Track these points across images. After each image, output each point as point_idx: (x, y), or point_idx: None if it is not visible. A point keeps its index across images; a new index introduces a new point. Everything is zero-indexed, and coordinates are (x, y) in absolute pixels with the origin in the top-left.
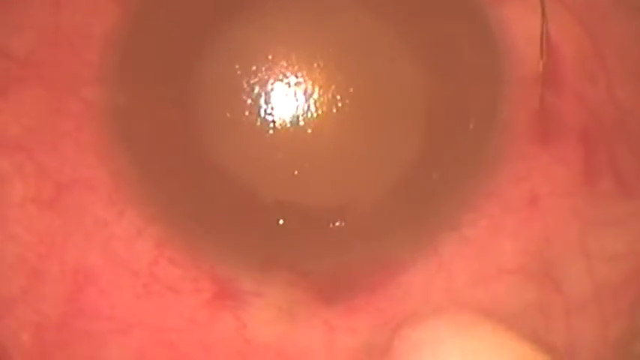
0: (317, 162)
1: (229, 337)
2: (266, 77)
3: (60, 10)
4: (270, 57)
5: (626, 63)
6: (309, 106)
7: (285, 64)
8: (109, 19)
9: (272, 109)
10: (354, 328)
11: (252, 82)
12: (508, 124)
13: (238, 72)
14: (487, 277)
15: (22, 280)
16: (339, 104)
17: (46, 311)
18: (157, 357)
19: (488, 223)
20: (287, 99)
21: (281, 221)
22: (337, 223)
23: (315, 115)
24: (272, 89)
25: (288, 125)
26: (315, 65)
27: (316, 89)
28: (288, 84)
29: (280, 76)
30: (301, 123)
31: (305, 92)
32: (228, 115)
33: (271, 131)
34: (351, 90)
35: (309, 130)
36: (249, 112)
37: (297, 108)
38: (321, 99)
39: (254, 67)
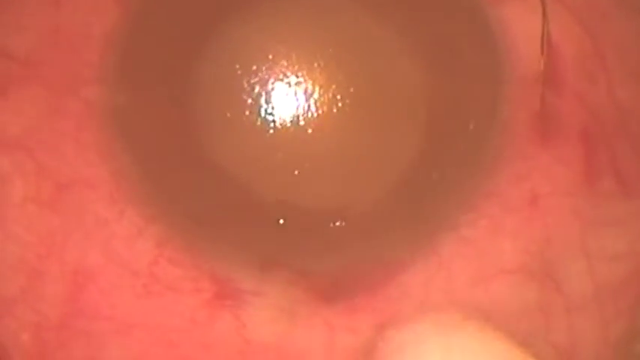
0: (317, 162)
1: (229, 337)
2: (266, 77)
3: (60, 9)
4: (270, 56)
5: (627, 63)
6: (309, 106)
7: (285, 64)
8: (109, 18)
9: (272, 108)
10: (354, 327)
11: (252, 81)
12: (508, 124)
13: (238, 72)
14: (487, 277)
15: (21, 280)
16: (340, 104)
17: (46, 311)
18: (156, 357)
19: (488, 223)
20: (287, 98)
21: (281, 221)
22: (337, 223)
23: (315, 114)
24: (272, 89)
25: (289, 125)
26: (316, 65)
27: (316, 89)
28: (289, 84)
29: (280, 76)
30: (301, 123)
31: (305, 92)
32: (228, 114)
33: (271, 131)
34: (352, 90)
35: (310, 130)
36: (250, 112)
37: (297, 108)
38: (322, 99)
39: (254, 67)
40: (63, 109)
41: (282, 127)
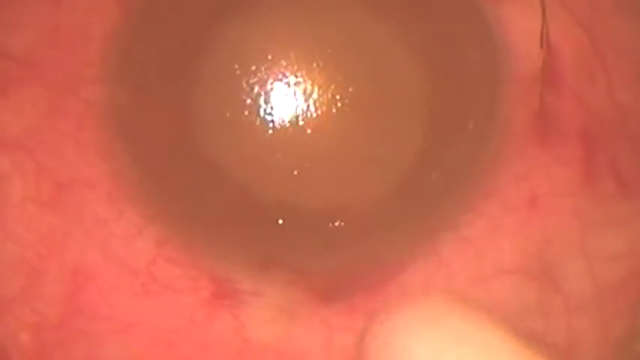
0: (316, 162)
1: (228, 337)
2: (265, 77)
3: (60, 9)
4: (269, 57)
5: (626, 63)
6: (308, 106)
7: (284, 64)
8: (109, 18)
9: (271, 108)
10: (353, 327)
11: (251, 81)
12: (507, 124)
13: (238, 72)
14: (486, 277)
15: (21, 280)
16: (339, 104)
17: (46, 311)
18: (155, 357)
19: (488, 223)
20: (286, 99)
21: (280, 221)
22: (337, 223)
23: (314, 114)
24: (271, 89)
25: (288, 125)
26: (315, 65)
27: (315, 89)
28: (288, 84)
29: (279, 76)
30: (301, 123)
31: (304, 92)
32: (227, 114)
33: (271, 131)
34: (351, 90)
35: (309, 130)
36: (249, 112)
37: (296, 108)
38: (321, 99)
39: (253, 67)
40: (63, 109)
41: (281, 128)
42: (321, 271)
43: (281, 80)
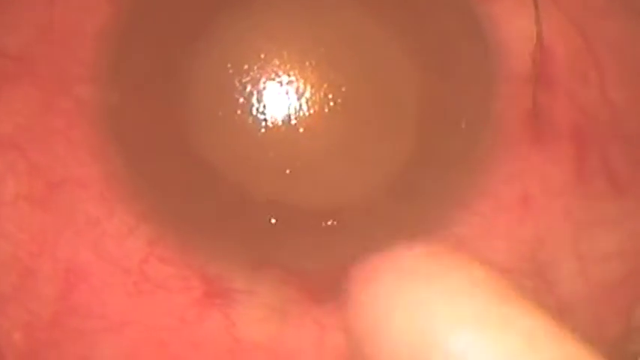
0: (309, 161)
1: (219, 336)
2: (258, 76)
3: (53, 7)
4: (261, 56)
5: (619, 62)
6: (301, 105)
7: (276, 63)
8: (102, 17)
9: (264, 107)
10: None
11: (243, 80)
12: (500, 123)
13: (230, 70)
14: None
15: (13, 279)
16: (331, 103)
17: (38, 310)
18: (147, 356)
19: (481, 223)
20: (279, 98)
21: (273, 220)
22: (329, 222)
23: (307, 114)
24: (264, 88)
25: (280, 124)
26: (307, 64)
27: (308, 88)
28: (280, 83)
29: (272, 75)
30: (293, 122)
31: (297, 91)
32: (219, 113)
33: (263, 130)
34: (343, 89)
35: (301, 129)
36: (241, 111)
37: (288, 107)
38: (313, 98)
39: (246, 66)
40: (55, 108)
41: (273, 127)
42: (314, 271)
43: (274, 79)
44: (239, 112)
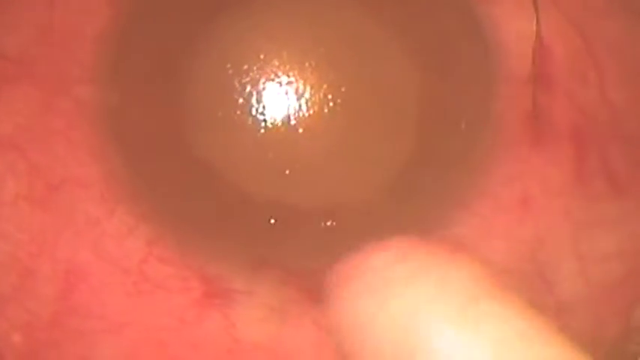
0: (308, 161)
1: (218, 336)
2: (257, 76)
3: (53, 9)
4: (261, 56)
5: (619, 63)
6: (300, 106)
7: (276, 63)
8: (102, 19)
9: (263, 108)
10: None
11: (243, 81)
12: (500, 124)
13: (230, 71)
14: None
15: (13, 279)
16: (331, 103)
17: (38, 310)
18: (146, 356)
19: (480, 223)
20: (278, 98)
21: (272, 221)
22: (328, 223)
23: (306, 114)
24: (263, 88)
25: (280, 125)
26: (307, 64)
27: (308, 88)
28: (280, 83)
29: (272, 75)
30: (292, 122)
31: (296, 91)
32: (219, 114)
33: (262, 130)
34: (343, 89)
35: (301, 130)
36: (241, 112)
37: (288, 107)
38: (313, 98)
39: (245, 66)
40: (55, 109)
41: (273, 127)
42: (312, 271)
43: (273, 80)
44: (238, 112)
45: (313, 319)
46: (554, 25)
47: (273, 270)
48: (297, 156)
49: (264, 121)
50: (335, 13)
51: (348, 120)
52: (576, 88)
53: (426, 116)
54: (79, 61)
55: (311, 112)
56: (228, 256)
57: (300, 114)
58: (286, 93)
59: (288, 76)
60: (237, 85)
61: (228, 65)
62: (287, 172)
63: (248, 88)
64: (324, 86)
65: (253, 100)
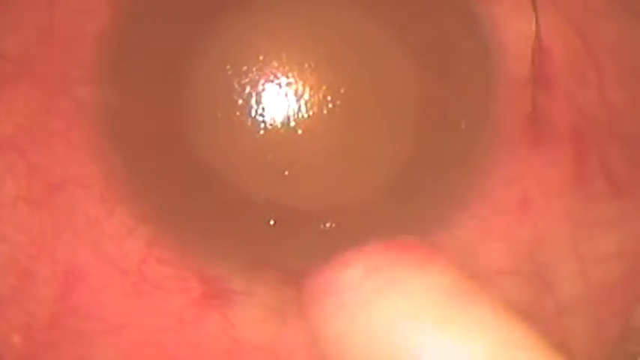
0: (308, 163)
1: (217, 337)
2: (257, 77)
3: (53, 10)
4: (260, 57)
5: (618, 64)
6: (299, 107)
7: (275, 64)
8: (102, 19)
9: (263, 109)
10: None
11: (242, 82)
12: (499, 125)
13: (229, 72)
14: (479, 278)
15: (12, 281)
16: (330, 105)
17: (37, 312)
18: (146, 356)
19: (480, 224)
20: (278, 99)
21: (271, 222)
22: (328, 224)
23: (305, 115)
24: (263, 89)
25: (279, 126)
26: (306, 65)
27: (307, 89)
28: (279, 84)
29: (271, 77)
30: (292, 123)
31: (296, 92)
32: (218, 115)
33: (262, 132)
34: (342, 90)
35: (300, 131)
36: (240, 113)
37: (287, 108)
38: (312, 99)
39: (245, 67)
40: (55, 109)
41: (272, 128)
42: (312, 272)
43: (272, 81)
44: (238, 113)
45: None
46: (554, 26)
47: (272, 270)
48: (296, 157)
49: (264, 121)
50: (335, 13)
51: (348, 121)
52: (576, 89)
53: (426, 117)
54: (79, 61)
55: (310, 112)
56: (228, 257)
57: (300, 115)
58: (286, 94)
59: (288, 76)
60: (236, 85)
61: (228, 66)
62: (286, 172)
63: (248, 89)
64: (324, 87)
65: (253, 101)
